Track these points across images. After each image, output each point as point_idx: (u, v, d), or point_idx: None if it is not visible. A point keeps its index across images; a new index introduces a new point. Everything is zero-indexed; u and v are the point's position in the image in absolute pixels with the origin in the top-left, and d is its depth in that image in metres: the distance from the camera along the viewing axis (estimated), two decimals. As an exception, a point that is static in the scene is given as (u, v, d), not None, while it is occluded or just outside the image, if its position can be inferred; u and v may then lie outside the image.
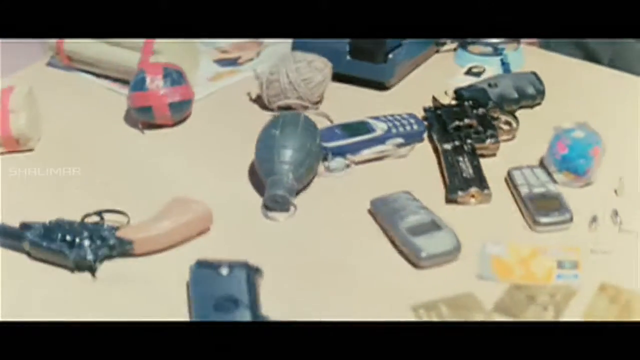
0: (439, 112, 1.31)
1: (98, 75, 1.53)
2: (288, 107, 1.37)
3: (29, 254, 1.07)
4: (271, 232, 1.14)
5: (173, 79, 1.36)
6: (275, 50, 1.54)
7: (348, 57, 1.44)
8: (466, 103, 1.32)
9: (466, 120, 1.27)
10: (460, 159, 1.22)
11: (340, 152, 1.25)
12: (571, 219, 1.12)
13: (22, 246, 1.07)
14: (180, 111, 1.37)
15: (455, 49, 1.55)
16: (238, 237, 1.12)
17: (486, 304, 1.00)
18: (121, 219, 1.11)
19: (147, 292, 1.03)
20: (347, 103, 1.41)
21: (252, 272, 1.01)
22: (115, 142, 1.36)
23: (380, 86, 1.44)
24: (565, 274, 1.05)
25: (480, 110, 1.31)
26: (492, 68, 1.46)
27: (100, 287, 1.04)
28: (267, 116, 1.32)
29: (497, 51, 1.49)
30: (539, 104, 1.39)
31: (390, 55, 1.43)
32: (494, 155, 1.26)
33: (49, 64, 1.56)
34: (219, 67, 1.54)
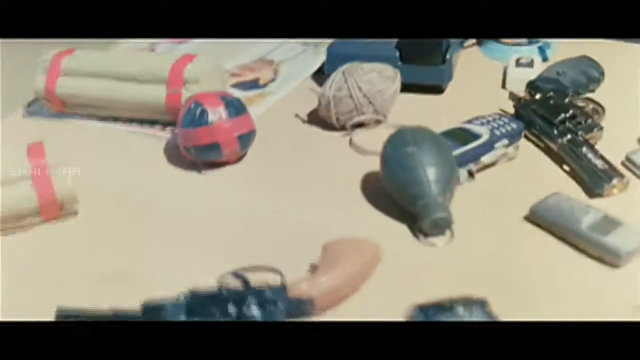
0: (533, 107, 1.33)
1: (102, 118, 1.38)
2: (361, 124, 1.33)
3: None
4: (434, 258, 1.10)
5: (236, 108, 1.28)
6: (293, 66, 1.49)
7: (399, 63, 1.41)
8: (548, 94, 1.35)
9: (571, 112, 1.30)
10: (584, 151, 1.25)
11: (458, 162, 1.23)
12: None
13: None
14: (247, 144, 1.30)
15: (477, 43, 1.57)
16: (404, 269, 1.08)
17: None
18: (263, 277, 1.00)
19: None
20: (409, 112, 1.39)
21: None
22: (179, 191, 1.25)
23: (436, 90, 1.43)
24: None
25: (567, 100, 1.34)
26: (537, 58, 1.50)
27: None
28: (336, 136, 1.31)
29: (532, 40, 1.53)
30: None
31: (448, 56, 1.42)
32: (595, 143, 1.30)
33: (29, 113, 1.39)
34: (243, 92, 1.46)
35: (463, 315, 0.96)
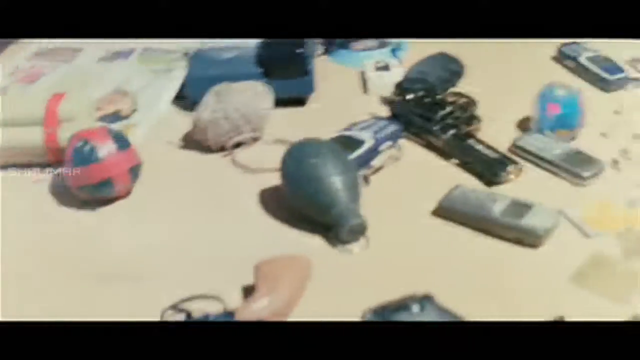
0: (409, 107, 1.35)
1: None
2: (239, 144, 1.32)
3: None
4: (355, 264, 1.10)
5: (123, 141, 1.24)
6: (151, 95, 1.47)
7: (263, 80, 1.40)
8: (419, 94, 1.38)
9: (448, 108, 1.33)
10: (471, 143, 1.28)
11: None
12: (604, 167, 1.26)
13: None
14: (137, 176, 1.25)
15: (326, 52, 1.58)
16: (333, 278, 1.07)
17: (615, 257, 1.09)
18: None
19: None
20: (281, 126, 1.38)
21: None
22: (77, 233, 1.19)
23: (300, 102, 1.43)
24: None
25: (439, 97, 1.38)
26: (391, 61, 1.52)
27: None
28: (216, 158, 1.31)
29: (384, 44, 1.56)
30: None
31: (309, 67, 1.43)
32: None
33: None
34: (110, 125, 1.39)
35: (417, 312, 0.96)
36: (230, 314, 0.95)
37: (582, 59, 1.52)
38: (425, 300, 0.97)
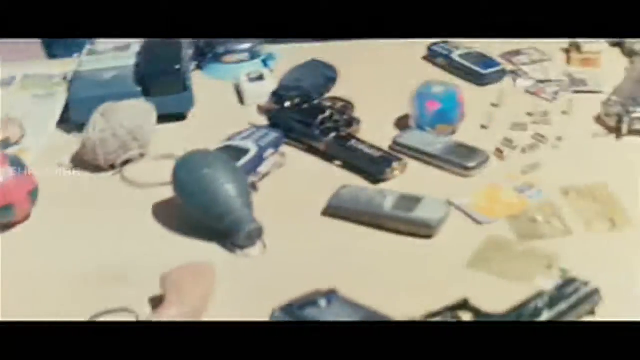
0: (288, 114, 1.36)
1: None
2: (128, 161, 1.31)
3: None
4: (257, 268, 1.11)
5: (20, 165, 1.22)
6: (36, 119, 1.47)
7: (143, 98, 1.40)
8: (296, 101, 1.39)
9: (326, 112, 1.34)
10: (353, 144, 1.29)
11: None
12: (488, 157, 1.29)
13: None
14: (35, 200, 1.23)
15: (197, 67, 1.57)
16: (235, 283, 1.08)
17: (511, 239, 1.13)
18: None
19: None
20: (165, 141, 1.37)
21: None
22: None
23: (179, 117, 1.43)
24: (531, 194, 1.22)
25: (315, 103, 1.39)
26: (264, 71, 1.53)
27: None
28: (107, 177, 1.31)
29: (253, 55, 1.56)
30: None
31: (187, 83, 1.43)
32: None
33: None
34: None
35: (325, 306, 0.97)
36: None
37: (455, 56, 1.55)
38: (331, 294, 0.98)
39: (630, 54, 1.56)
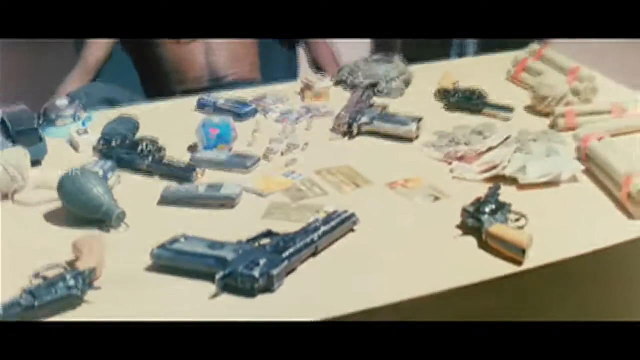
0: (118, 150, 1.98)
1: None
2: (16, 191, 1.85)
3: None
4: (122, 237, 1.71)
5: None
6: None
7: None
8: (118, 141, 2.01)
9: (142, 145, 1.98)
10: (165, 162, 1.93)
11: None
12: (259, 159, 1.98)
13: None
14: None
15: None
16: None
17: (287, 201, 1.81)
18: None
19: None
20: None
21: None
22: None
23: (37, 162, 1.98)
24: (294, 176, 1.91)
25: (133, 140, 2.01)
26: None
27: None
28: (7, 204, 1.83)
29: (77, 118, 2.17)
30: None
31: (41, 136, 2.01)
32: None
33: None
34: None
35: (184, 241, 1.58)
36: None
37: (220, 103, 2.25)
38: (186, 235, 1.60)
39: (352, 86, 2.35)
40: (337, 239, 1.65)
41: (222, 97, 2.31)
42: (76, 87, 2.62)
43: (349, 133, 2.10)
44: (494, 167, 1.91)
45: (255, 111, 2.26)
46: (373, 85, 2.33)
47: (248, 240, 1.60)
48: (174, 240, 1.60)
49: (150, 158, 1.95)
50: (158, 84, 2.79)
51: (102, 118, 2.21)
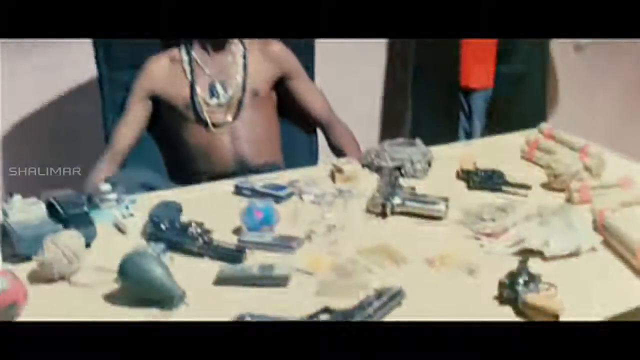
0: (168, 233, 2.13)
1: None
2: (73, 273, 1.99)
3: None
4: None
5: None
6: None
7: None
8: (167, 225, 2.17)
9: (191, 228, 2.13)
10: (215, 244, 2.09)
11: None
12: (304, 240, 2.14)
13: None
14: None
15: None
16: None
17: (335, 279, 1.97)
18: None
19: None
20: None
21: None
22: None
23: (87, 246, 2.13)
24: (336, 254, 2.08)
25: (183, 224, 2.17)
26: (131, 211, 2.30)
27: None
28: (63, 284, 1.97)
29: (120, 200, 2.34)
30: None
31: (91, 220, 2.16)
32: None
33: None
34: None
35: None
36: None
37: (258, 187, 2.42)
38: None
39: (377, 170, 2.53)
40: (387, 314, 1.80)
41: (255, 180, 2.50)
42: (109, 173, 2.76)
43: (383, 214, 2.28)
44: (521, 242, 2.08)
45: (291, 194, 2.43)
46: (398, 168, 2.50)
47: (309, 317, 1.75)
48: (241, 318, 1.74)
49: (200, 240, 2.10)
50: (184, 169, 2.94)
51: (142, 202, 2.36)
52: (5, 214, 2.17)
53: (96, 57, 2.98)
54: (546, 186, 2.48)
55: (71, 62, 3.32)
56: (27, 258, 2.03)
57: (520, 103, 3.25)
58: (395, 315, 1.80)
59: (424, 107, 3.47)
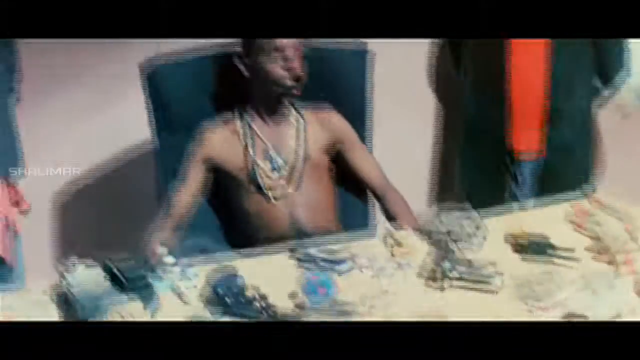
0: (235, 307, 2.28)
1: None
2: None
3: None
4: None
5: None
6: None
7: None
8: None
9: (256, 300, 2.28)
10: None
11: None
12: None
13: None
14: None
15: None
16: None
17: None
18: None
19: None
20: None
21: None
22: None
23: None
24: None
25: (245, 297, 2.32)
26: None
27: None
28: None
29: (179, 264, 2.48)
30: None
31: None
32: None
33: None
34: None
35: None
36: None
37: (317, 258, 2.56)
38: None
39: (433, 237, 2.64)
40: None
41: (310, 244, 2.62)
42: (167, 238, 2.85)
43: (440, 286, 2.41)
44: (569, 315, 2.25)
45: (352, 268, 2.55)
46: (454, 240, 2.63)
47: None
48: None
49: (264, 314, 2.25)
50: (242, 235, 3.04)
51: (199, 267, 2.47)
52: (64, 277, 2.27)
53: (150, 119, 3.06)
54: (593, 253, 2.58)
55: (128, 122, 3.40)
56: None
57: (569, 168, 3.36)
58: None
59: (473, 170, 3.58)
